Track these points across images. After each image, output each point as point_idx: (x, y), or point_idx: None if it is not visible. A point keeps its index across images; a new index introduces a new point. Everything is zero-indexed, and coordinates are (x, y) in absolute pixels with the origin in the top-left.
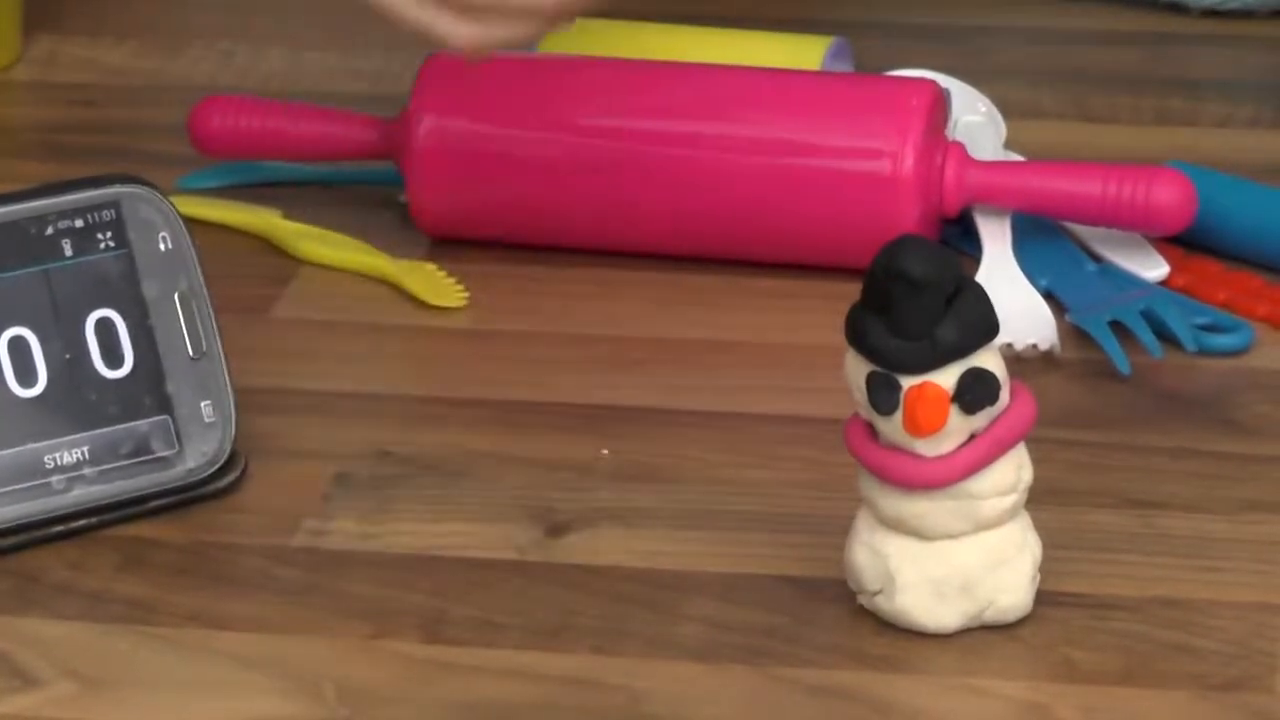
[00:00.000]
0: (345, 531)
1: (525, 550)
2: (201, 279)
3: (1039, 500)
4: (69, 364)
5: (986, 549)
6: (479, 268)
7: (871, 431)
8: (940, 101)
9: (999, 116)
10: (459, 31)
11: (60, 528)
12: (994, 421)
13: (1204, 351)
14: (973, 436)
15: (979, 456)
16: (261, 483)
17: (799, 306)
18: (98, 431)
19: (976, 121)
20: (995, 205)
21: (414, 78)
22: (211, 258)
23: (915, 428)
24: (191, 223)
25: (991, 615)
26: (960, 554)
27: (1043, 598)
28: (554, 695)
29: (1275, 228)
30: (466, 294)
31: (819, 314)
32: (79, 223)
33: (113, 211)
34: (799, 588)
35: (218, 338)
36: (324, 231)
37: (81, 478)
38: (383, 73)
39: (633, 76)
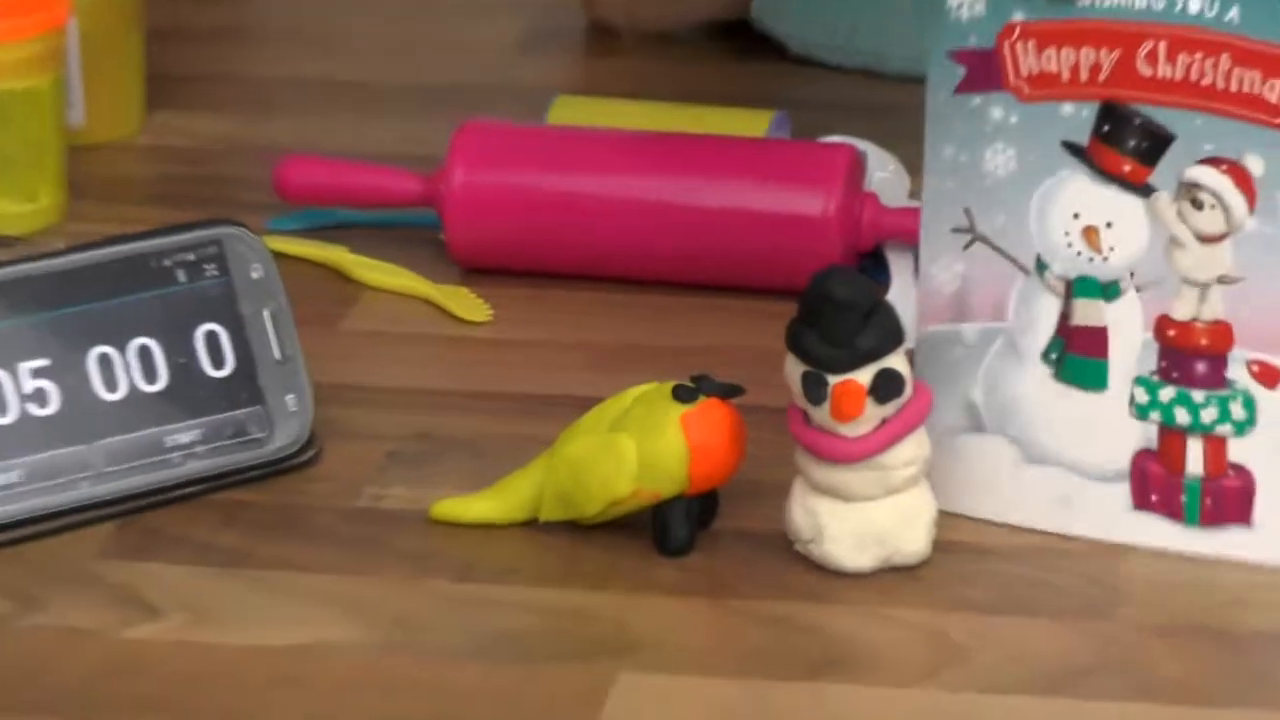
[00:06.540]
0: (397, 496)
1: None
2: (285, 300)
3: None
4: (183, 366)
5: (895, 508)
6: (502, 291)
7: (806, 417)
8: (858, 161)
9: (904, 173)
10: None
11: (177, 493)
12: (901, 409)
13: None
14: (884, 421)
15: (889, 436)
16: (332, 458)
17: (750, 320)
18: (206, 418)
19: (886, 177)
20: (901, 242)
21: (450, 142)
22: (293, 283)
23: (840, 415)
24: (277, 256)
25: (899, 559)
26: (875, 512)
27: (939, 546)
28: (559, 623)
29: None
30: (492, 311)
31: (766, 326)
32: (190, 256)
33: (216, 247)
34: (750, 539)
35: (298, 345)
36: (380, 262)
37: (194, 454)
38: (425, 138)
39: (623, 143)
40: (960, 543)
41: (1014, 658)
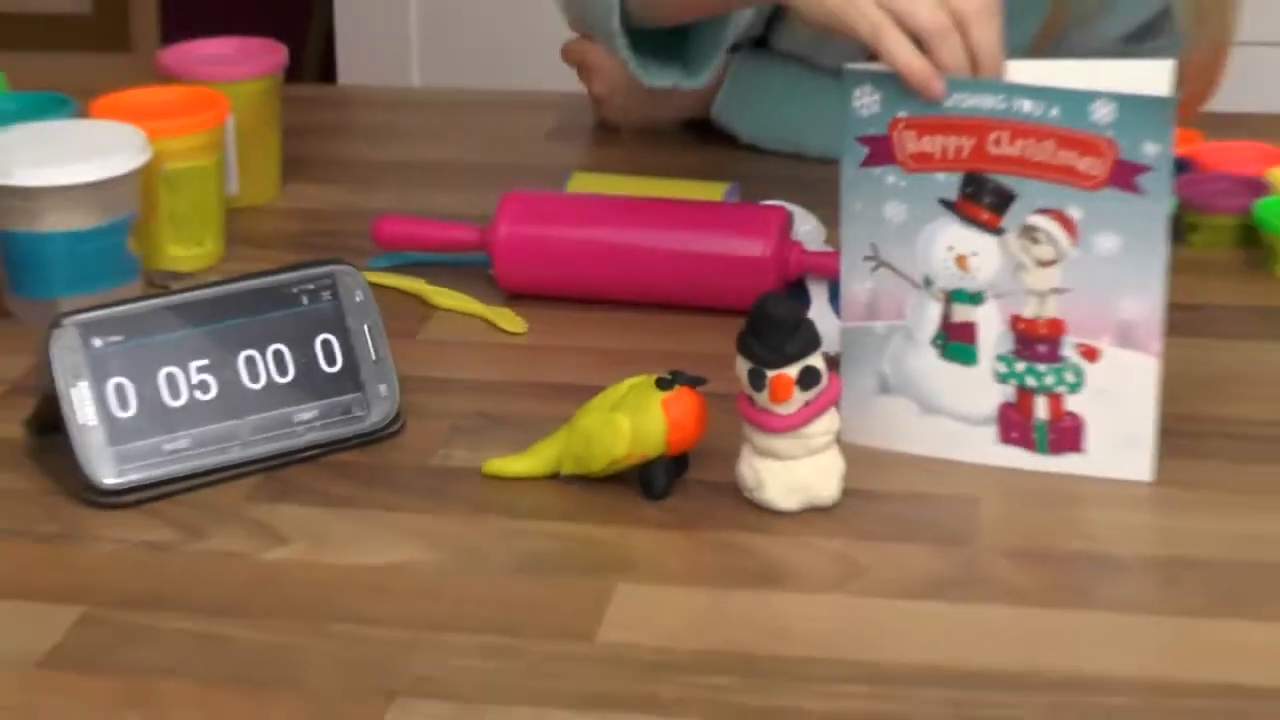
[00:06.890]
0: (460, 458)
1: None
2: (379, 317)
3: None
4: (306, 364)
5: (815, 465)
6: (535, 311)
7: (750, 401)
8: (788, 219)
9: (821, 226)
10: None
11: (301, 456)
12: (819, 395)
13: None
14: (807, 403)
15: (810, 414)
16: (413, 430)
17: (711, 331)
18: (322, 401)
19: (808, 229)
20: (818, 276)
21: (497, 205)
22: (385, 305)
23: (775, 399)
24: (374, 286)
25: (817, 503)
26: (800, 468)
27: (847, 493)
28: (576, 549)
29: None
30: (527, 325)
31: (722, 335)
32: (311, 286)
33: (330, 280)
34: (711, 488)
35: (389, 349)
36: (447, 290)
37: (313, 428)
38: (480, 202)
39: (621, 205)
40: (863, 490)
41: (900, 572)
